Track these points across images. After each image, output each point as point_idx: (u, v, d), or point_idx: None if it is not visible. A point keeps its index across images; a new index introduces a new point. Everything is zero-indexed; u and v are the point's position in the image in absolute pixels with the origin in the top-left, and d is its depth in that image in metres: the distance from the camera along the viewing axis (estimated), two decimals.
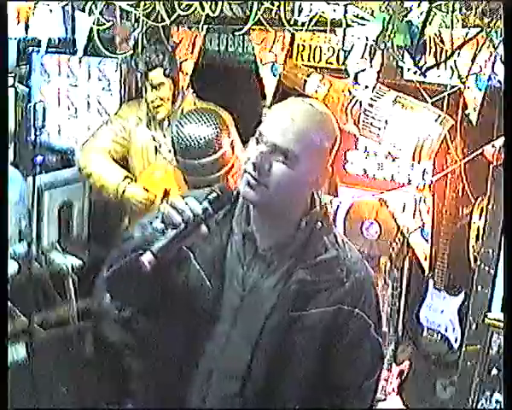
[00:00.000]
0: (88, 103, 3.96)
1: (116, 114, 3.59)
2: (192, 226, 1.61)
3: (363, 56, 2.55)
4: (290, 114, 1.68)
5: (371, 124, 2.85)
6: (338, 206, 3.08)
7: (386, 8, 2.36)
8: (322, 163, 1.71)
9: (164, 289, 1.73)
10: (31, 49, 4.06)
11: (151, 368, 1.86)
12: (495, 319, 2.66)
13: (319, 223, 1.78)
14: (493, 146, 2.60)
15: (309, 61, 3.07)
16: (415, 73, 2.61)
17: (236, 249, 1.77)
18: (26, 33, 3.62)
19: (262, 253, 1.76)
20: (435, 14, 2.26)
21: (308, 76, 3.03)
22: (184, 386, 1.79)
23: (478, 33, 2.30)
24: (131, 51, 3.50)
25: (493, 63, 2.41)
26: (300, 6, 2.70)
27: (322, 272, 1.75)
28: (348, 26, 2.52)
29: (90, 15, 3.34)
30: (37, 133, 3.37)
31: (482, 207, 2.83)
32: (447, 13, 2.29)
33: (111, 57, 3.60)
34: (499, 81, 2.45)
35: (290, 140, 1.65)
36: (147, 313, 1.82)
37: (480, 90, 2.48)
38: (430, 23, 2.26)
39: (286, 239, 1.75)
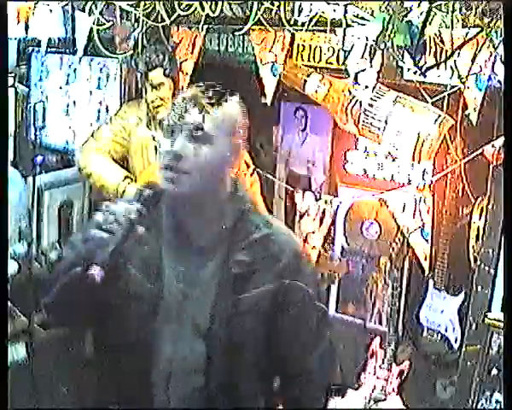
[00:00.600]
0: (88, 103, 3.96)
1: (116, 114, 3.58)
2: (129, 229, 1.61)
3: (363, 56, 2.55)
4: (194, 97, 1.70)
5: (371, 124, 2.85)
6: (338, 206, 3.08)
7: (386, 8, 2.36)
8: (232, 141, 1.73)
9: (108, 299, 1.73)
10: (31, 49, 4.05)
11: (109, 378, 1.86)
12: (495, 319, 2.66)
13: (246, 204, 1.82)
14: (493, 146, 2.60)
15: (309, 61, 3.07)
16: (415, 73, 2.61)
17: (170, 246, 1.78)
18: (26, 33, 3.61)
19: (195, 244, 1.78)
20: (435, 14, 2.26)
21: (308, 76, 3.03)
22: (146, 392, 1.79)
23: (478, 33, 2.30)
24: (131, 51, 3.50)
25: (493, 63, 2.41)
26: (300, 6, 2.70)
27: (258, 251, 1.78)
28: (348, 26, 2.52)
29: (90, 15, 3.34)
30: (37, 133, 3.37)
31: (482, 207, 2.83)
32: (447, 13, 2.29)
33: (111, 57, 3.60)
34: (499, 81, 2.45)
35: (204, 121, 1.67)
36: (93, 326, 1.86)
37: (480, 90, 2.48)
38: (430, 23, 2.26)
39: (215, 226, 1.78)
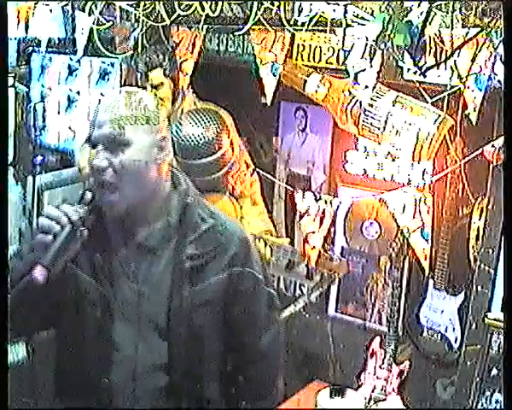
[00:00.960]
0: (88, 103, 3.96)
1: None
2: (71, 231, 1.63)
3: (363, 56, 2.55)
4: (108, 105, 1.74)
5: (371, 124, 2.85)
6: (338, 206, 3.08)
7: (386, 8, 2.36)
8: (154, 137, 1.75)
9: (63, 306, 1.77)
10: (31, 49, 4.05)
11: (70, 384, 1.87)
12: (495, 319, 2.66)
13: (189, 198, 1.84)
14: (493, 146, 2.60)
15: (309, 61, 3.07)
16: (415, 73, 2.61)
17: (117, 247, 1.80)
18: (26, 33, 3.61)
19: (143, 244, 1.80)
20: (435, 14, 2.26)
21: (308, 76, 3.03)
22: (110, 396, 1.81)
23: (478, 33, 2.30)
24: (131, 51, 3.50)
25: (493, 63, 2.41)
26: (300, 6, 2.70)
27: (207, 243, 1.83)
28: (348, 26, 2.51)
29: (90, 15, 3.34)
30: (37, 133, 3.37)
31: (482, 207, 2.83)
32: (447, 13, 2.29)
33: (111, 57, 3.60)
34: (499, 81, 2.44)
35: (116, 128, 1.70)
36: (52, 334, 1.88)
37: (480, 90, 2.48)
38: (430, 23, 2.26)
39: (160, 223, 1.80)
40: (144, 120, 1.73)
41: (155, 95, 1.81)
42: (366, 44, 2.51)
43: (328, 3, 2.54)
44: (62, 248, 1.61)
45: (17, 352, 3.35)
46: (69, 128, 4.06)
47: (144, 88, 3.34)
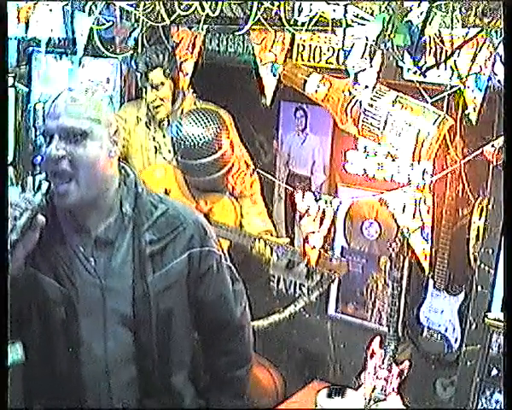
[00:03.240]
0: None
1: (116, 114, 3.58)
2: (29, 218, 1.65)
3: (363, 56, 2.55)
4: (65, 98, 1.76)
5: (371, 124, 2.85)
6: (338, 206, 3.08)
7: (386, 8, 2.36)
8: (108, 131, 1.78)
9: (28, 309, 1.77)
10: (31, 49, 4.05)
11: (41, 385, 1.89)
12: (495, 319, 2.66)
13: (139, 188, 1.86)
14: (493, 146, 2.60)
15: (309, 61, 3.07)
16: (415, 73, 2.61)
17: (74, 243, 1.80)
18: (26, 33, 3.61)
19: (99, 237, 1.80)
20: (435, 14, 2.26)
21: (308, 76, 3.03)
22: (84, 394, 1.82)
23: (478, 33, 2.30)
24: (131, 51, 3.50)
25: (493, 63, 2.41)
26: (300, 6, 2.70)
27: (163, 227, 1.84)
28: (348, 26, 2.51)
29: (89, 15, 3.34)
30: (37, 133, 3.37)
31: (482, 207, 2.83)
32: (447, 13, 2.29)
33: (111, 57, 3.60)
34: (499, 81, 2.44)
35: (73, 119, 1.72)
36: (20, 337, 1.87)
37: (480, 90, 2.48)
38: (430, 23, 2.26)
39: (114, 214, 1.82)
40: (97, 115, 1.76)
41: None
42: (366, 44, 2.51)
43: (328, 3, 2.54)
44: (18, 229, 1.63)
45: (17, 352, 3.35)
46: None
47: (144, 88, 3.35)
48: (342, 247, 3.40)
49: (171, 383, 1.89)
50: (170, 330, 1.85)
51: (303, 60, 3.08)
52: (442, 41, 2.39)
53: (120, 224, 1.82)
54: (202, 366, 2.02)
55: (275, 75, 2.98)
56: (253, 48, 3.03)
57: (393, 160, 3.01)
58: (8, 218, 1.64)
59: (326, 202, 3.10)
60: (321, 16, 2.63)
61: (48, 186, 1.72)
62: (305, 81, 3.03)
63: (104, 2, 3.29)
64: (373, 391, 3.07)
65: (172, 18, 3.08)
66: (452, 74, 2.48)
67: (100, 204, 1.80)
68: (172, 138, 3.10)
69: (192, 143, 3.02)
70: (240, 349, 2.05)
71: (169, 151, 3.29)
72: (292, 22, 2.78)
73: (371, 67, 2.59)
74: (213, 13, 2.92)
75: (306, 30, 2.74)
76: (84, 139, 1.72)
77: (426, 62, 2.42)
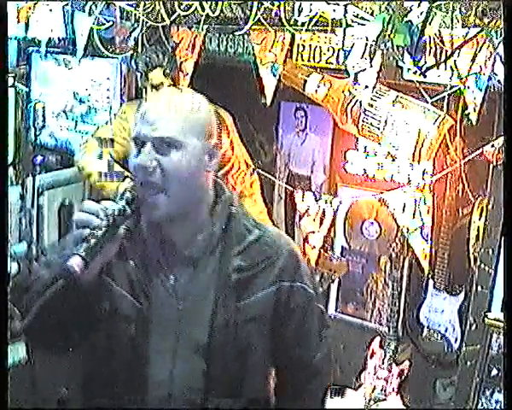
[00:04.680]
0: (88, 103, 3.96)
1: (116, 114, 3.58)
2: (110, 227, 1.51)
3: (363, 56, 2.55)
4: (160, 104, 1.63)
5: (371, 124, 2.85)
6: (338, 206, 3.08)
7: (386, 8, 2.36)
8: (206, 143, 1.64)
9: (94, 321, 1.63)
10: (31, 49, 4.05)
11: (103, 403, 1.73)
12: (495, 319, 2.66)
13: (233, 208, 1.72)
14: (493, 146, 2.60)
15: (309, 61, 3.07)
16: (415, 73, 2.61)
17: (156, 258, 1.68)
18: (26, 33, 3.61)
19: (183, 255, 1.67)
20: (435, 14, 2.26)
21: (308, 76, 3.03)
22: None
23: (478, 33, 2.30)
24: (131, 51, 3.50)
25: (493, 63, 2.41)
26: (300, 6, 2.70)
27: (255, 254, 1.70)
28: (348, 26, 2.52)
29: (90, 15, 3.34)
30: (37, 133, 3.37)
31: (482, 207, 2.83)
32: (447, 13, 2.29)
33: (111, 57, 3.60)
34: (499, 81, 2.44)
35: (169, 129, 1.59)
36: (80, 350, 1.73)
37: (480, 90, 2.48)
38: (430, 23, 2.26)
39: (203, 234, 1.68)
40: (196, 125, 1.63)
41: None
42: (366, 44, 2.51)
43: (328, 3, 2.54)
44: (101, 241, 1.49)
45: (17, 352, 3.35)
46: (69, 128, 4.07)
47: (144, 88, 3.35)
48: (342, 247, 3.39)
49: None
50: (245, 364, 1.71)
51: (303, 60, 3.08)
52: (442, 41, 2.39)
53: (208, 244, 1.68)
54: (274, 403, 1.87)
55: (275, 75, 2.98)
56: (253, 48, 3.03)
57: (393, 160, 3.02)
58: (85, 225, 1.50)
59: (326, 202, 3.11)
60: (321, 16, 2.63)
61: (132, 196, 1.58)
62: (305, 81, 3.04)
63: (104, 2, 3.29)
64: (373, 391, 3.07)
65: (172, 18, 3.08)
66: (452, 74, 2.48)
67: (190, 220, 1.66)
68: None
69: None
70: (314, 394, 1.89)
71: None
72: (292, 22, 2.78)
73: (371, 67, 2.59)
74: (213, 13, 2.92)
75: (306, 30, 2.74)
76: (179, 150, 1.59)
77: (426, 62, 2.42)
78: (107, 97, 3.86)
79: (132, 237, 1.61)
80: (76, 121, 4.03)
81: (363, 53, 2.54)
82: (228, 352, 1.68)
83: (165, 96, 1.68)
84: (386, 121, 2.81)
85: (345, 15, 2.50)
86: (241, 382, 1.72)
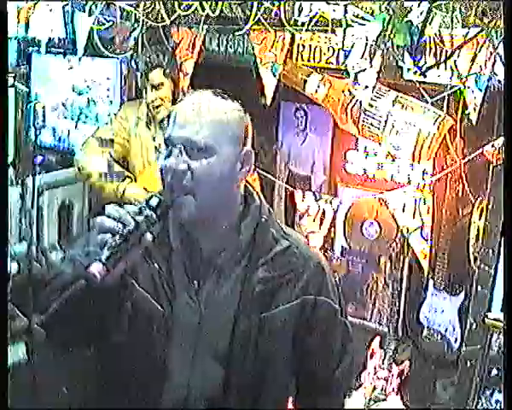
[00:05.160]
0: (88, 103, 3.96)
1: (116, 114, 3.59)
2: (135, 233, 1.47)
3: (363, 56, 2.55)
4: (194, 107, 1.59)
5: (371, 124, 2.85)
6: (338, 206, 3.08)
7: (386, 8, 2.36)
8: (239, 150, 1.63)
9: (114, 320, 1.61)
10: (31, 49, 4.06)
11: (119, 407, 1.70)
12: (495, 319, 2.66)
13: (263, 217, 1.69)
14: (493, 146, 2.60)
15: (309, 61, 3.07)
16: (415, 73, 2.61)
17: (181, 262, 1.65)
18: (26, 33, 3.61)
19: (209, 261, 1.65)
20: (435, 14, 2.26)
21: (308, 76, 3.03)
22: None
23: (478, 33, 2.30)
24: (131, 51, 3.50)
25: (493, 63, 2.41)
26: (300, 6, 2.70)
27: (281, 266, 1.67)
28: (348, 26, 2.52)
29: (90, 15, 3.34)
30: (37, 133, 3.37)
31: (482, 208, 2.83)
32: (447, 13, 2.29)
33: (111, 57, 3.60)
34: (499, 81, 2.45)
35: (202, 133, 1.56)
36: (98, 349, 1.71)
37: (480, 90, 2.48)
38: (430, 23, 2.26)
39: (231, 240, 1.65)
40: (230, 132, 1.61)
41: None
42: (366, 44, 2.51)
43: (328, 3, 2.54)
44: (124, 247, 1.45)
45: (17, 352, 3.35)
46: (69, 128, 4.07)
47: (144, 88, 3.35)
48: (342, 247, 3.39)
49: None
50: (265, 376, 1.68)
51: (303, 60, 3.08)
52: (442, 41, 2.39)
53: (234, 252, 1.65)
54: None
55: (275, 75, 2.98)
56: (253, 48, 3.03)
57: (393, 160, 3.02)
58: (108, 231, 1.46)
59: (326, 202, 3.10)
60: (321, 16, 2.63)
61: (158, 201, 1.52)
62: (305, 81, 3.04)
63: (104, 2, 3.30)
64: (373, 391, 3.07)
65: (172, 18, 3.08)
66: (452, 74, 2.49)
67: (217, 226, 1.64)
68: None
69: None
70: (333, 408, 1.87)
71: None
72: (292, 22, 2.78)
73: (371, 67, 2.59)
74: (213, 13, 2.92)
75: (306, 30, 2.74)
76: (211, 155, 1.56)
77: (426, 62, 2.43)
78: (108, 97, 3.87)
79: (158, 241, 1.57)
80: (76, 121, 4.03)
81: (363, 53, 2.54)
82: (247, 362, 1.65)
83: (199, 99, 1.63)
84: (386, 121, 2.81)
85: (345, 15, 2.50)
86: (259, 393, 1.69)
